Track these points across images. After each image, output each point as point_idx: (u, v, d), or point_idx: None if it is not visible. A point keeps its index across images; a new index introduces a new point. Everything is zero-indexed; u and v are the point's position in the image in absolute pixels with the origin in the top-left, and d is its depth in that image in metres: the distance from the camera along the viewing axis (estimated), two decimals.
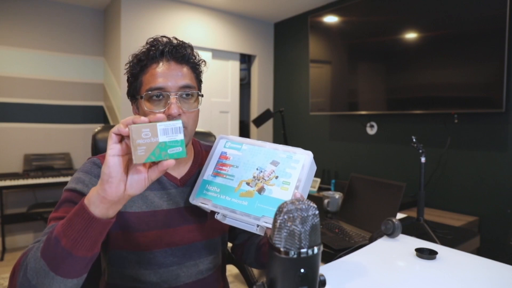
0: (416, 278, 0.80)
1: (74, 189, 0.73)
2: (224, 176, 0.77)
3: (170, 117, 0.75)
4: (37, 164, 3.12)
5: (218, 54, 3.60)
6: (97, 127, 1.11)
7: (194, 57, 0.82)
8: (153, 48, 0.78)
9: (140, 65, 0.78)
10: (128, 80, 0.82)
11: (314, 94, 3.18)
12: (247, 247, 0.95)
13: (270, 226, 0.66)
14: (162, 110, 0.75)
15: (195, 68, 0.83)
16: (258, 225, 0.69)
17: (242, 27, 3.69)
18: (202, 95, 0.82)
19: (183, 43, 0.81)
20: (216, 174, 0.78)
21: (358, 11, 2.74)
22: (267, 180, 0.72)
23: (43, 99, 3.26)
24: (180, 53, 0.78)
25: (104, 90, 3.55)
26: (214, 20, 3.47)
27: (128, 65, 0.81)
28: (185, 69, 0.79)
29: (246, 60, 4.02)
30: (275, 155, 0.75)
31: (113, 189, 0.55)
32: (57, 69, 3.31)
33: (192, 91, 0.78)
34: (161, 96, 0.75)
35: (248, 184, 0.73)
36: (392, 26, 2.50)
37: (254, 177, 0.74)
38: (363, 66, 2.81)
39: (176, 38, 0.81)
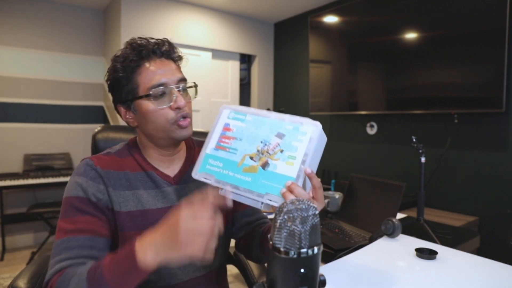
0: (416, 278, 0.80)
1: (77, 196, 0.75)
2: (227, 149, 0.73)
3: (178, 109, 0.78)
4: (37, 164, 3.12)
5: (218, 54, 3.60)
6: (97, 127, 1.11)
7: (177, 53, 0.86)
8: (141, 48, 0.79)
9: (132, 65, 0.78)
10: (114, 86, 0.81)
11: (314, 94, 3.18)
12: (251, 239, 0.93)
13: (274, 204, 0.64)
14: (168, 104, 0.77)
15: (179, 62, 0.87)
16: (262, 203, 0.67)
17: (242, 27, 3.69)
18: (196, 85, 0.85)
19: (165, 39, 0.84)
20: (219, 147, 0.74)
21: (358, 11, 2.74)
22: (272, 154, 0.68)
23: (43, 99, 3.26)
24: (167, 49, 0.82)
25: (104, 90, 3.54)
26: (214, 20, 3.47)
27: (112, 70, 0.79)
28: (175, 64, 0.83)
29: (246, 60, 4.02)
30: (280, 127, 0.70)
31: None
32: (57, 69, 3.31)
33: (188, 83, 0.83)
34: (163, 92, 0.78)
35: (251, 158, 0.69)
36: (392, 26, 2.50)
37: (258, 150, 0.69)
38: (363, 66, 2.81)
39: (152, 38, 0.83)
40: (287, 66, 3.79)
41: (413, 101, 2.42)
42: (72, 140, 3.42)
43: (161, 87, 0.77)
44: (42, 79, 3.24)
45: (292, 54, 3.71)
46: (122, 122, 0.90)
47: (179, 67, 0.85)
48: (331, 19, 2.98)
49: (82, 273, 0.63)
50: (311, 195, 0.67)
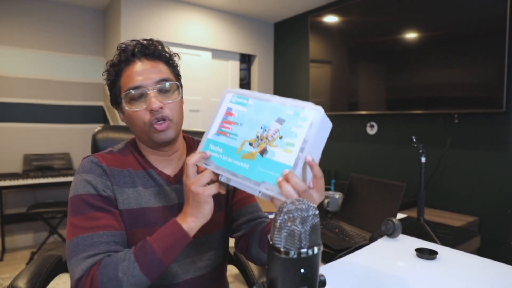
0: (416, 278, 0.80)
1: (88, 193, 0.75)
2: (228, 135, 0.70)
3: (152, 112, 0.77)
4: (37, 164, 3.12)
5: (218, 54, 3.59)
6: (97, 127, 1.11)
7: (165, 52, 0.84)
8: (124, 51, 0.80)
9: (115, 70, 0.81)
10: (109, 89, 0.84)
11: (314, 94, 3.18)
12: (250, 238, 0.91)
13: (271, 193, 0.62)
14: (144, 107, 0.77)
15: (169, 62, 0.85)
16: (260, 191, 0.64)
17: (242, 27, 3.69)
18: (181, 85, 0.84)
19: (152, 40, 0.83)
20: (220, 132, 0.71)
21: (358, 11, 2.74)
22: (271, 141, 0.64)
23: (43, 99, 3.26)
24: (150, 50, 0.81)
25: (104, 90, 3.54)
26: (214, 20, 3.47)
27: (106, 73, 0.83)
28: (159, 64, 0.81)
29: (246, 60, 4.02)
30: (281, 112, 0.66)
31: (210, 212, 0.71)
32: (57, 69, 3.31)
33: (170, 83, 0.80)
34: (141, 95, 0.78)
35: (251, 144, 0.66)
36: (392, 26, 2.50)
37: (257, 136, 0.66)
38: (363, 66, 2.81)
39: (145, 39, 0.83)
40: (287, 66, 3.79)
41: (413, 101, 2.42)
42: (72, 140, 3.42)
43: (136, 90, 0.77)
44: (42, 79, 3.24)
45: (292, 54, 3.71)
46: (122, 122, 0.91)
47: (166, 68, 0.83)
48: (331, 19, 2.98)
49: (127, 257, 0.68)
50: (311, 185, 0.63)
